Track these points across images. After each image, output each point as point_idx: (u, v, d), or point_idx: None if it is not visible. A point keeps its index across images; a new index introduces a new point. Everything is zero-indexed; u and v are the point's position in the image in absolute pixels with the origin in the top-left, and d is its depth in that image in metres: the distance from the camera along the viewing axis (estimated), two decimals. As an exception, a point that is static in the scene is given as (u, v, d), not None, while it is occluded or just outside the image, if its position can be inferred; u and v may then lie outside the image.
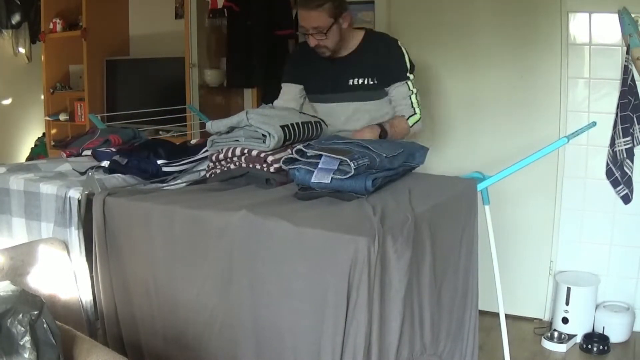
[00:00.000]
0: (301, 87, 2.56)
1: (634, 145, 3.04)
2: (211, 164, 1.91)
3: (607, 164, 3.13)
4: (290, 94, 2.56)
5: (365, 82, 2.42)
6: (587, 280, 3.18)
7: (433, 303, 1.59)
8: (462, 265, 1.81)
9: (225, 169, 1.87)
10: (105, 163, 2.05)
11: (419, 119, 2.43)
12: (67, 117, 4.71)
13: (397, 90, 2.42)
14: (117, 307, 1.73)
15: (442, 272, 1.66)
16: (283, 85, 2.59)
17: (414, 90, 2.42)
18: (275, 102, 2.57)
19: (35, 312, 1.21)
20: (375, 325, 1.36)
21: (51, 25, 4.55)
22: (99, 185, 1.78)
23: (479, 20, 3.35)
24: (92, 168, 2.00)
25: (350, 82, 2.44)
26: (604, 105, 3.11)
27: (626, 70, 2.98)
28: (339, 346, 1.35)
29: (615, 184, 3.11)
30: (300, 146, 1.68)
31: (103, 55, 4.49)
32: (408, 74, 2.41)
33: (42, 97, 4.79)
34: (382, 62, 2.41)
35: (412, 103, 2.42)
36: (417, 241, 1.48)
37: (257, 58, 3.74)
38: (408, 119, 2.41)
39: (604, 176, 3.14)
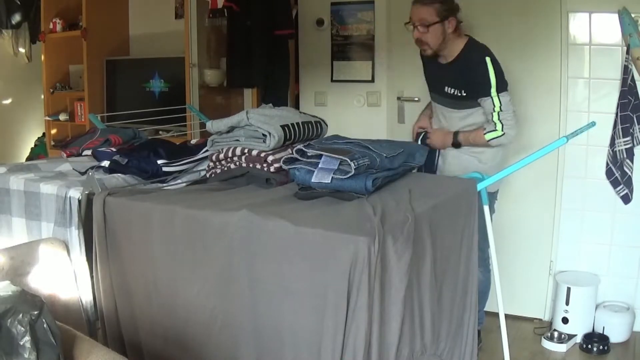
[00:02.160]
0: None
1: (633, 145, 3.04)
2: (211, 164, 1.91)
3: (607, 164, 3.13)
4: None
5: (456, 93, 2.64)
6: (587, 280, 3.18)
7: (433, 303, 1.59)
8: (462, 265, 1.81)
9: (226, 168, 1.87)
10: (106, 163, 2.05)
11: (500, 135, 2.56)
12: (67, 117, 4.70)
13: (484, 104, 2.58)
14: (117, 307, 1.73)
15: (442, 272, 1.66)
16: None
17: (499, 106, 2.54)
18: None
19: (35, 312, 1.21)
20: (376, 325, 1.36)
21: (51, 25, 4.55)
22: (99, 185, 1.78)
23: (478, 20, 3.34)
24: (92, 168, 2.00)
25: (446, 89, 2.66)
26: (604, 105, 3.11)
27: (626, 70, 2.98)
28: (339, 346, 1.35)
29: (615, 184, 3.11)
30: (300, 146, 1.68)
31: (103, 55, 4.49)
32: (492, 91, 2.52)
33: (42, 97, 4.79)
34: (470, 78, 2.58)
35: (493, 117, 2.56)
36: (417, 241, 1.47)
37: (257, 58, 3.73)
38: (486, 133, 2.58)
39: (604, 176, 3.14)
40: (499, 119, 2.55)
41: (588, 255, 3.27)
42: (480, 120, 2.67)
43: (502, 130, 2.55)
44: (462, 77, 2.61)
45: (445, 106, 2.73)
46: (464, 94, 2.62)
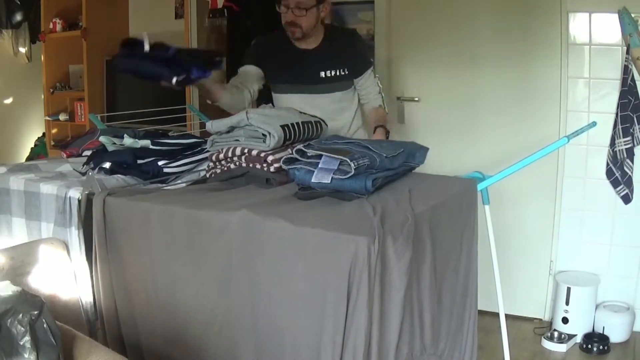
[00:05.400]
0: (262, 73, 2.56)
1: (634, 145, 3.04)
2: (211, 164, 1.91)
3: (607, 164, 3.13)
4: (249, 75, 2.54)
5: (337, 74, 2.54)
6: (587, 280, 3.18)
7: (433, 303, 1.59)
8: (462, 265, 1.81)
9: (226, 168, 1.87)
10: (107, 164, 2.04)
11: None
12: (67, 117, 4.71)
13: (367, 78, 2.60)
14: (117, 307, 1.73)
15: (442, 272, 1.66)
16: (242, 67, 2.58)
17: (380, 87, 2.63)
18: (231, 80, 2.54)
19: (35, 312, 1.21)
20: (375, 325, 1.36)
21: (51, 25, 4.56)
22: (99, 185, 1.78)
23: (478, 20, 3.35)
24: (92, 168, 2.00)
25: (322, 74, 2.53)
26: (604, 105, 3.11)
27: (626, 70, 2.98)
28: (338, 346, 1.35)
29: (615, 184, 3.11)
30: (300, 146, 1.68)
31: (103, 55, 4.49)
32: (372, 60, 2.66)
33: (42, 97, 4.79)
34: (350, 53, 2.56)
35: (380, 90, 2.62)
36: (417, 241, 1.47)
37: (257, 58, 3.73)
38: (383, 107, 2.64)
39: (604, 176, 3.14)
40: (380, 89, 2.63)
41: (588, 255, 3.27)
42: (350, 96, 2.63)
43: (382, 98, 2.64)
44: (340, 55, 2.53)
45: (319, 93, 2.54)
46: (346, 72, 2.54)
